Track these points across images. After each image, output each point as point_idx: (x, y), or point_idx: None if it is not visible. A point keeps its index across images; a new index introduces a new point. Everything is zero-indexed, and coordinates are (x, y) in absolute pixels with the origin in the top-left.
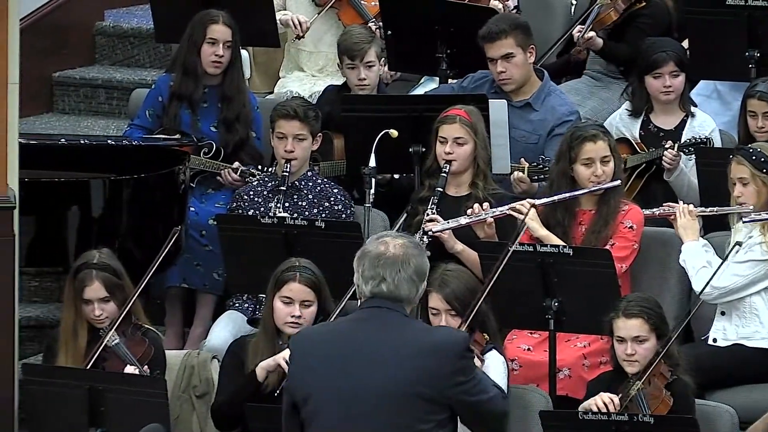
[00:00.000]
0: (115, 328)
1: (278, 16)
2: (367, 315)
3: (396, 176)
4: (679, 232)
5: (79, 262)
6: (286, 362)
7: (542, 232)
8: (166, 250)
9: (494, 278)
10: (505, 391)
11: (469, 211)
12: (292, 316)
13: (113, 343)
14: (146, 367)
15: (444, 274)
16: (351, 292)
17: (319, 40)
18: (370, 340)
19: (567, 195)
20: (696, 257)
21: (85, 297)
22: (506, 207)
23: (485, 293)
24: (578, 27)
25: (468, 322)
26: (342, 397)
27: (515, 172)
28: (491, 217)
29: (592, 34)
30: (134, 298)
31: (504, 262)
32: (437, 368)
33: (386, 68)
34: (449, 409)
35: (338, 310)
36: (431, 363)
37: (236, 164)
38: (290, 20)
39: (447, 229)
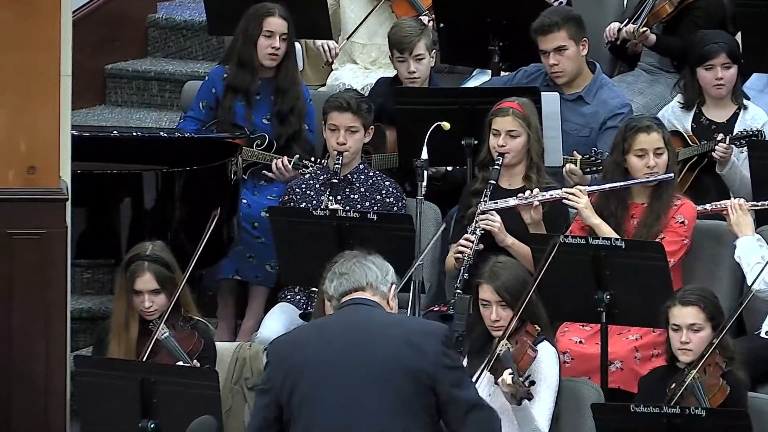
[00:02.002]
0: (164, 321)
1: (310, 43)
2: (347, 310)
3: (450, 169)
4: (733, 228)
5: (132, 253)
6: None
7: (595, 220)
8: (208, 233)
9: (543, 270)
10: (558, 382)
11: (519, 195)
12: None
13: (163, 337)
14: (195, 361)
15: (495, 266)
16: (403, 283)
17: (373, 33)
18: (355, 326)
19: (618, 184)
20: (751, 253)
21: (136, 288)
22: (557, 192)
23: (536, 284)
24: (630, 25)
25: (519, 313)
26: (332, 381)
27: (568, 164)
28: (542, 200)
29: (646, 28)
30: (180, 289)
31: (552, 255)
32: (425, 347)
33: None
34: (436, 396)
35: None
36: (419, 342)
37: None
38: (321, 46)
39: (496, 209)
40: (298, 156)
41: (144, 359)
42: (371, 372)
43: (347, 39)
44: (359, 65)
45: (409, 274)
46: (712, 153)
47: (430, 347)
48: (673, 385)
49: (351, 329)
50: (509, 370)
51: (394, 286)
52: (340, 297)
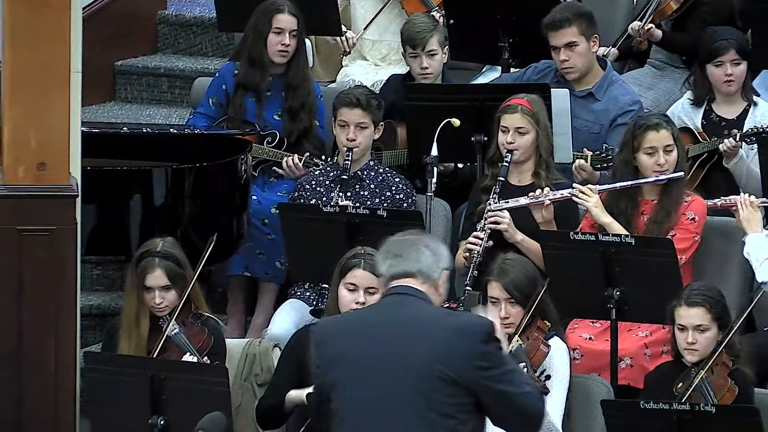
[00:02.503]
0: (175, 318)
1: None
2: (389, 300)
3: (460, 165)
4: (742, 224)
5: (142, 249)
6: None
7: (606, 219)
8: (205, 257)
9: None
10: (569, 378)
11: (531, 193)
12: (357, 303)
13: (173, 333)
14: (205, 357)
15: (503, 263)
16: None
17: (383, 30)
18: (394, 322)
19: (628, 183)
20: (760, 249)
21: (147, 284)
22: (568, 190)
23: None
24: (636, 23)
25: (531, 310)
26: (367, 379)
27: (577, 160)
28: (553, 199)
29: (651, 25)
30: (191, 287)
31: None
32: (460, 348)
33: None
34: (472, 395)
35: None
36: (454, 342)
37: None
38: (339, 39)
39: (506, 208)
40: (308, 154)
41: (154, 356)
42: (404, 371)
43: (358, 36)
44: (369, 62)
45: None
46: (720, 146)
47: (466, 347)
48: (680, 384)
49: (390, 324)
50: (523, 364)
51: (446, 271)
52: (389, 279)
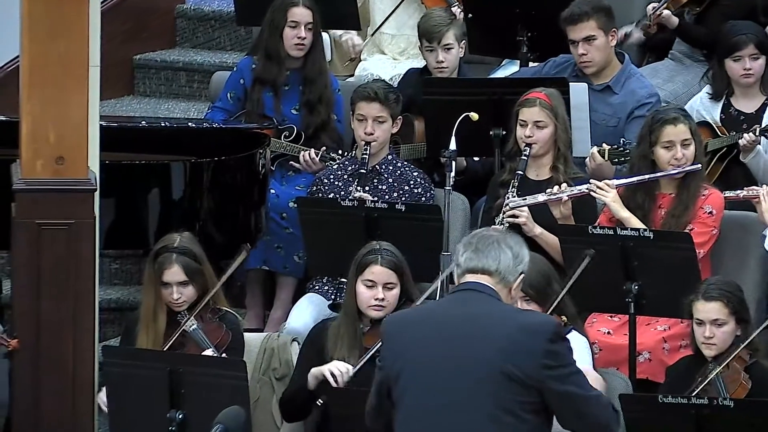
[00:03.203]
0: (194, 314)
1: (336, 35)
2: (459, 296)
3: (476, 159)
4: (764, 216)
5: (160, 245)
6: (332, 375)
7: (624, 213)
8: (234, 269)
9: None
10: (592, 369)
11: (548, 190)
12: (376, 299)
13: (191, 329)
14: (223, 354)
15: None
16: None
17: (402, 24)
18: (461, 319)
19: (646, 177)
20: None
21: (164, 280)
22: (585, 186)
23: (566, 289)
24: (653, 4)
25: (552, 307)
26: (433, 375)
27: (593, 148)
28: (571, 195)
29: (666, 11)
30: (212, 293)
31: (583, 268)
32: (525, 347)
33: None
34: (539, 395)
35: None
36: (520, 340)
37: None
38: (346, 41)
39: (525, 205)
40: (324, 148)
41: (166, 350)
42: (471, 368)
43: (376, 30)
44: (387, 56)
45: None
46: (740, 141)
47: (533, 346)
48: (700, 378)
49: (459, 320)
50: None
51: (522, 275)
52: (464, 272)
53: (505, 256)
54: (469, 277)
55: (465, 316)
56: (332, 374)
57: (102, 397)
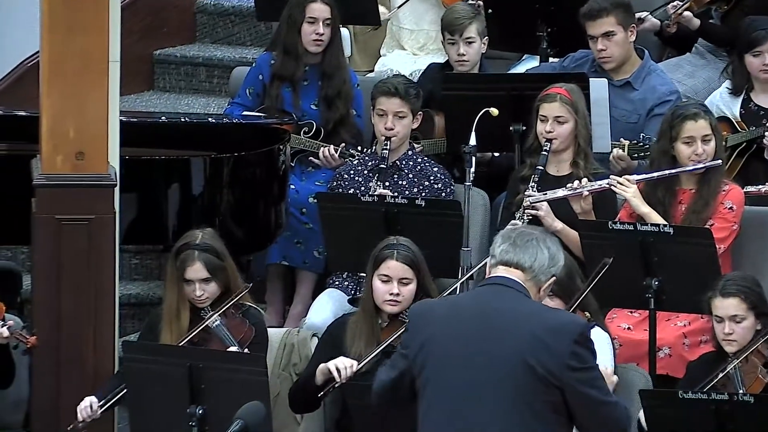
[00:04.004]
0: (218, 311)
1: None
2: (487, 290)
3: (496, 155)
4: None
5: (182, 241)
6: (337, 370)
7: (644, 209)
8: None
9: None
10: (614, 367)
11: (569, 185)
12: (391, 294)
13: (214, 325)
14: (247, 350)
15: None
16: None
17: (420, 18)
18: (488, 313)
19: (666, 172)
20: None
21: (187, 277)
22: (606, 181)
23: (590, 287)
24: (675, 2)
25: (574, 306)
26: (456, 367)
27: (615, 150)
28: (591, 190)
29: (688, 14)
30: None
31: (601, 274)
32: (552, 346)
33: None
34: (561, 394)
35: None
36: (547, 340)
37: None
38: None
39: (545, 200)
40: (344, 144)
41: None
42: (494, 365)
43: (391, 14)
44: (407, 51)
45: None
46: (761, 139)
47: (559, 346)
48: (721, 373)
49: (484, 315)
50: None
51: (553, 278)
52: (499, 263)
53: (542, 255)
54: (501, 270)
55: (492, 311)
56: (337, 369)
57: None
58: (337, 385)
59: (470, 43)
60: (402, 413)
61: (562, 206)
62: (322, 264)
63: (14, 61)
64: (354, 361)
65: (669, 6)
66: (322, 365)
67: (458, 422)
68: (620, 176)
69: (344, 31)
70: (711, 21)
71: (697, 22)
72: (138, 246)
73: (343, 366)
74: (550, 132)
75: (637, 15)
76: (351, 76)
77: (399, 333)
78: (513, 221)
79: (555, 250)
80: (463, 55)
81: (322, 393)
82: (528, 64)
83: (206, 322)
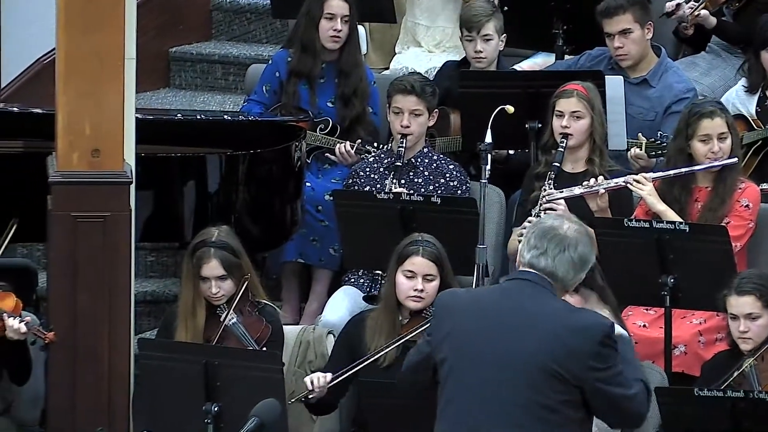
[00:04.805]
0: (233, 308)
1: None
2: (513, 285)
3: (512, 152)
4: None
5: (198, 239)
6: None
7: (660, 207)
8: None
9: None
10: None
11: (585, 183)
12: (415, 290)
13: (231, 323)
14: (264, 348)
15: None
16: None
17: (437, 15)
18: (512, 309)
19: (683, 170)
20: None
21: (203, 274)
22: (622, 179)
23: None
24: (691, 3)
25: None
26: (478, 361)
27: (633, 149)
28: (607, 188)
29: (704, 12)
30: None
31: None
32: (575, 348)
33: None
34: (581, 393)
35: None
36: (570, 340)
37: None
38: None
39: (561, 198)
40: (359, 141)
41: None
42: (515, 362)
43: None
44: (423, 48)
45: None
46: None
47: (582, 347)
48: (737, 372)
49: (510, 311)
50: None
51: (582, 277)
52: (528, 265)
53: (574, 263)
54: (526, 269)
55: (517, 308)
56: (311, 381)
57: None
58: (311, 397)
59: (488, 40)
60: (418, 410)
61: (578, 204)
62: (338, 261)
63: (30, 59)
64: (329, 374)
65: (685, 8)
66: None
67: (472, 419)
68: (637, 172)
69: (360, 29)
70: (723, 18)
71: (713, 20)
72: (154, 243)
73: (317, 380)
74: (566, 127)
75: (669, 4)
76: (367, 74)
77: (416, 328)
78: (529, 218)
79: (586, 251)
80: (480, 52)
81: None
82: (538, 59)
83: (225, 323)
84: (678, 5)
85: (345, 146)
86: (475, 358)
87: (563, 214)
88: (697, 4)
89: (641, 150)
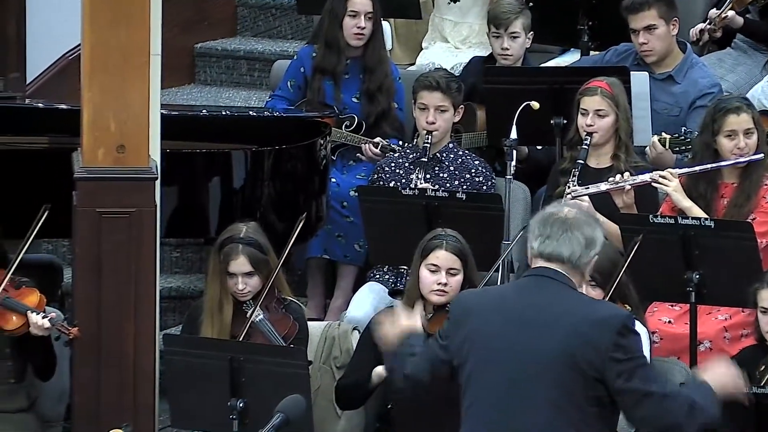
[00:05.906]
0: (259, 304)
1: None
2: (530, 282)
3: (539, 147)
4: None
5: (226, 235)
6: None
7: (686, 203)
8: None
9: (629, 258)
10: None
11: (611, 179)
12: (438, 284)
13: (257, 319)
14: (290, 345)
15: None
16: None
17: (466, 11)
18: (531, 306)
19: (709, 166)
20: None
21: (230, 271)
22: (648, 175)
23: (624, 268)
24: (714, 10)
25: (610, 293)
26: (500, 361)
27: (653, 137)
28: (633, 184)
29: (730, 13)
30: (274, 276)
31: (635, 249)
32: (594, 340)
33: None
34: (605, 388)
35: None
36: (590, 333)
37: (377, 139)
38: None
39: (587, 194)
40: (384, 142)
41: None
42: (536, 358)
43: None
44: (449, 44)
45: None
46: None
47: (601, 339)
48: (763, 367)
49: (529, 308)
50: None
51: (596, 257)
52: (537, 255)
53: (578, 242)
54: (542, 262)
55: (535, 304)
56: None
57: None
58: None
59: (515, 37)
60: (444, 409)
61: (603, 200)
62: (363, 257)
63: (56, 54)
64: None
65: (711, 12)
66: (380, 369)
67: (500, 418)
68: (655, 167)
69: (385, 25)
70: (748, 16)
71: (740, 20)
72: (179, 239)
73: None
74: (590, 125)
75: (692, 32)
76: (392, 70)
77: None
78: (567, 202)
79: (590, 231)
80: (507, 49)
81: (390, 406)
82: (567, 57)
83: (251, 318)
84: (701, 31)
85: (370, 147)
86: (499, 357)
87: (562, 201)
88: (723, 7)
89: (666, 145)
